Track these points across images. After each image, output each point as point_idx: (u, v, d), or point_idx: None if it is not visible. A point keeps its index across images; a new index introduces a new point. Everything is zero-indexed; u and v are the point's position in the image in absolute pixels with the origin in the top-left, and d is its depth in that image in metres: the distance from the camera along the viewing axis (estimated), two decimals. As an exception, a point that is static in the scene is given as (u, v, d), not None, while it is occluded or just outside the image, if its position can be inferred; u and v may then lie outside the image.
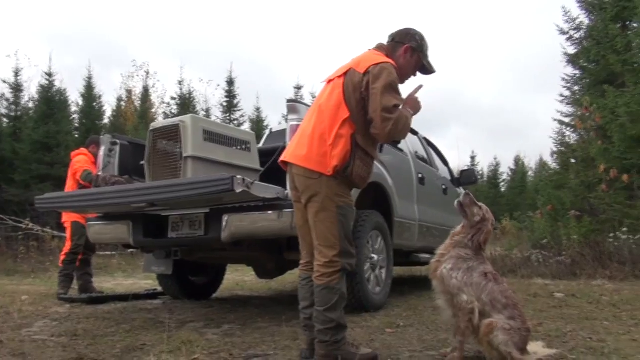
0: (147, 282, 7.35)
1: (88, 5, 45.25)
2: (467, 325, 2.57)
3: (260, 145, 5.87)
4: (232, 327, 3.74)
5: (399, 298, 5.21)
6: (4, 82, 14.73)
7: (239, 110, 19.94)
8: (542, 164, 23.55)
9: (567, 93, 12.43)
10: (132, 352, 2.97)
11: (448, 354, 2.72)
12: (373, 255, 4.37)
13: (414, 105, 2.68)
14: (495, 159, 33.04)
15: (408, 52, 2.74)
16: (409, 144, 5.61)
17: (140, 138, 4.28)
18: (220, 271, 5.77)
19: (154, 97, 21.35)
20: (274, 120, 21.22)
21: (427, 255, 5.43)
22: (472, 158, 31.95)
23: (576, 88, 12.17)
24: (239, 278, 8.25)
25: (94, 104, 16.61)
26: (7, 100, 14.77)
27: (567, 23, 11.78)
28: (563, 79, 12.37)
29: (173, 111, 18.55)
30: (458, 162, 32.92)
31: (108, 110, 18.51)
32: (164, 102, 20.84)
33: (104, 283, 7.31)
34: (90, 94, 16.52)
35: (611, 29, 9.93)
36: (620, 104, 8.62)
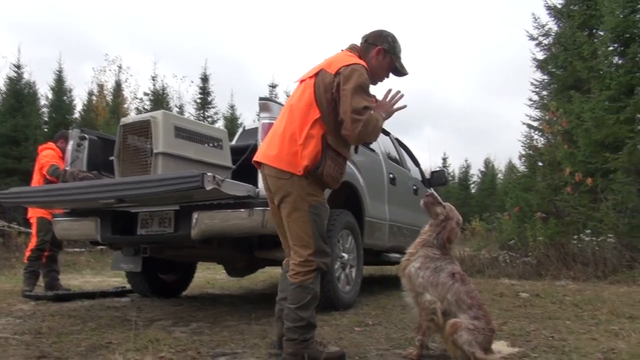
0: (116, 280, 7.24)
1: (59, -4, 44.20)
2: (428, 325, 2.63)
3: (233, 143, 5.85)
4: (201, 326, 3.72)
5: (369, 297, 5.26)
6: (-30, 73, 14.30)
7: (213, 108, 19.83)
8: (511, 167, 24.00)
9: (536, 97, 12.73)
10: (98, 351, 2.92)
11: (412, 352, 2.76)
12: (343, 254, 4.40)
13: (386, 109, 2.70)
14: (466, 161, 33.61)
15: (380, 53, 2.75)
16: (381, 144, 5.66)
17: (111, 133, 4.22)
18: (190, 269, 5.73)
19: (127, 92, 21.04)
20: (249, 118, 21.14)
21: (398, 255, 5.49)
22: (444, 159, 32.47)
23: (544, 93, 12.47)
24: (210, 276, 8.19)
25: (65, 97, 16.23)
26: (-27, 92, 14.34)
27: (537, 29, 12.08)
28: (532, 84, 12.67)
29: (146, 107, 18.33)
30: (430, 163, 33.30)
31: (79, 105, 18.19)
32: (136, 98, 20.58)
33: (71, 280, 7.16)
34: (60, 88, 16.13)
35: (578, 36, 10.19)
36: (586, 110, 8.87)
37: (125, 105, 19.96)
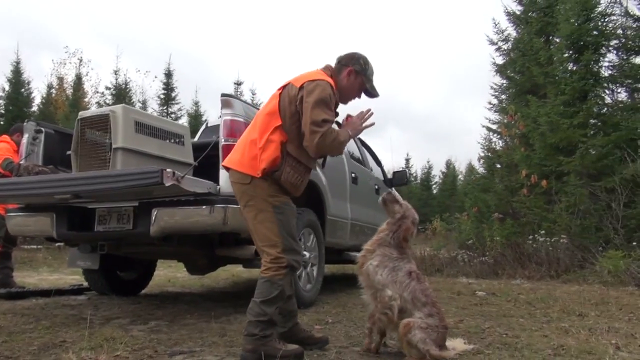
0: (74, 278, 7.05)
1: (16, -16, 42.56)
2: (380, 317, 2.70)
3: (196, 139, 5.79)
4: (159, 324, 3.68)
5: (330, 295, 5.30)
6: None
7: (177, 104, 19.57)
8: (471, 168, 24.59)
9: (495, 101, 13.11)
10: (50, 349, 2.85)
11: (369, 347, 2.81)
12: (305, 253, 4.41)
13: (355, 126, 2.80)
14: (428, 162, 34.15)
15: (351, 74, 2.85)
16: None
17: (71, 128, 4.10)
18: (150, 266, 5.63)
19: (87, 86, 20.60)
20: (213, 115, 20.91)
21: (359, 254, 5.54)
22: (407, 160, 32.92)
23: (503, 97, 12.84)
24: (171, 274, 8.08)
25: (22, 90, 15.74)
26: None
27: (497, 34, 12.41)
28: (492, 88, 13.02)
29: (107, 101, 17.92)
30: (392, 163, 33.74)
31: (37, 98, 17.69)
32: (97, 92, 20.15)
33: (27, 278, 6.95)
34: (18, 80, 15.66)
35: (535, 42, 10.52)
36: (542, 114, 9.17)
37: (86, 100, 19.54)
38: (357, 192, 5.77)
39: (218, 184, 3.54)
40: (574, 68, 9.26)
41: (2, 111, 15.36)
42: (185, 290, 6.05)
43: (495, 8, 30.76)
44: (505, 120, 10.95)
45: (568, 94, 8.87)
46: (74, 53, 21.28)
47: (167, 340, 3.07)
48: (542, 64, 10.02)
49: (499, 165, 11.48)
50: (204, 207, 3.46)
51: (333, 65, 2.90)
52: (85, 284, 5.45)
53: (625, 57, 9.42)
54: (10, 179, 3.99)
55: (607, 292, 5.86)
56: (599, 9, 9.14)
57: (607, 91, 9.41)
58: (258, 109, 4.32)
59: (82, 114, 3.85)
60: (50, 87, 19.34)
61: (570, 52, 9.30)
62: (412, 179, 31.23)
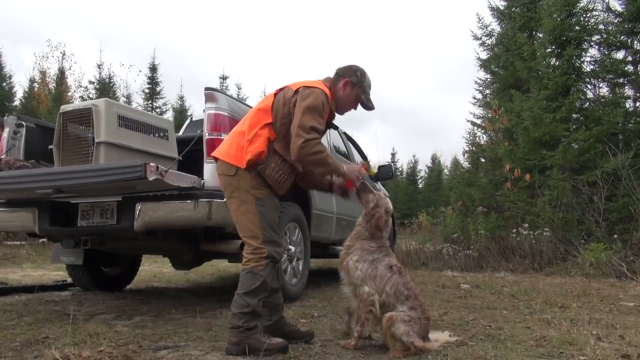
0: (58, 274, 6.98)
1: (-5, -24, 41.73)
2: (367, 316, 2.70)
3: (180, 133, 5.75)
4: (144, 319, 3.66)
5: (315, 289, 5.32)
6: None
7: (162, 98, 19.41)
8: (456, 163, 24.75)
9: (479, 96, 13.21)
10: (33, 346, 2.82)
11: (349, 343, 2.78)
12: (290, 247, 4.43)
13: (350, 170, 2.83)
14: (414, 156, 34.44)
15: (348, 85, 2.87)
16: (329, 137, 5.71)
17: (53, 122, 4.05)
18: (135, 262, 5.60)
19: (70, 80, 20.35)
20: (198, 110, 20.74)
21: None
22: (393, 155, 33.03)
23: (487, 91, 12.94)
24: (157, 269, 8.04)
25: (4, 84, 15.51)
26: None
27: (481, 29, 12.48)
28: (476, 82, 13.11)
29: (91, 95, 17.70)
30: (378, 157, 33.82)
31: (19, 92, 17.42)
32: (81, 86, 19.87)
33: (10, 274, 6.88)
34: (-1, 73, 15.39)
35: (519, 37, 10.60)
36: (525, 108, 9.25)
37: (69, 94, 19.26)
38: (342, 187, 5.76)
39: (202, 178, 3.53)
40: (557, 63, 9.35)
41: (-17, 105, 15.11)
42: (170, 286, 6.03)
43: (479, 3, 30.90)
44: (490, 115, 11.04)
45: (551, 88, 8.95)
46: (56, 47, 20.99)
47: (152, 336, 3.06)
48: (526, 58, 10.10)
49: (483, 160, 11.58)
50: (188, 201, 3.44)
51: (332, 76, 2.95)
52: (69, 279, 5.39)
53: (606, 52, 9.53)
54: (-10, 174, 3.91)
55: (589, 283, 5.96)
56: (581, 4, 9.23)
57: (589, 86, 9.52)
58: (244, 104, 4.33)
59: (64, 107, 3.81)
60: (32, 81, 19.10)
61: (553, 47, 9.39)
62: (398, 174, 31.38)
